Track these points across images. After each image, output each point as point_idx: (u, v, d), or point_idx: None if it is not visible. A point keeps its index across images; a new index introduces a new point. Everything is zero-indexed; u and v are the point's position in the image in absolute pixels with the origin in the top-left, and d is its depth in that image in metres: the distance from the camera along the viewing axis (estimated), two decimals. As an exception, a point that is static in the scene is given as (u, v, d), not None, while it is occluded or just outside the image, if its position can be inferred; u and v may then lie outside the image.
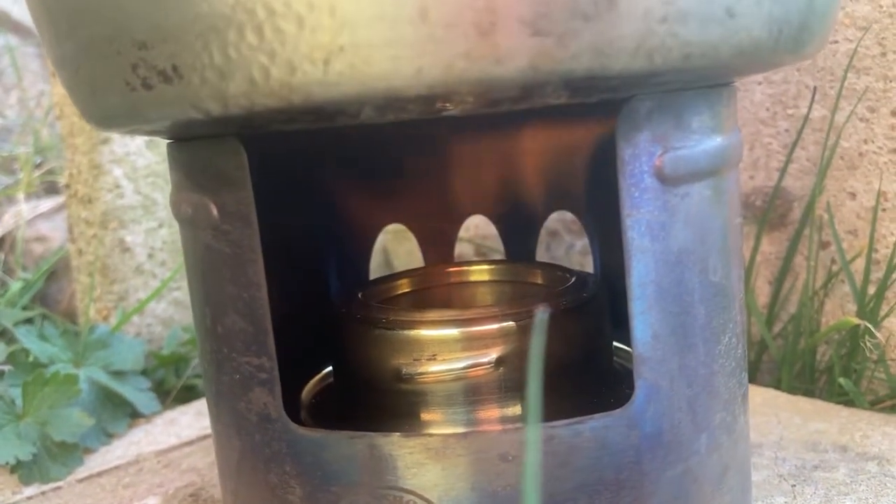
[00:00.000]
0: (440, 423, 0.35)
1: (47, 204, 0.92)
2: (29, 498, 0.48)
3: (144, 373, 0.62)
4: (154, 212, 0.69)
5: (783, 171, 0.55)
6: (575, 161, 0.47)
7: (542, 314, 0.20)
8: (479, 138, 0.48)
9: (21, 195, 0.91)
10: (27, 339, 0.58)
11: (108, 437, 0.55)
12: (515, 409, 0.35)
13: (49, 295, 0.84)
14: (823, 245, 0.54)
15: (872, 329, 0.49)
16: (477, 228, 0.70)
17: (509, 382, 0.34)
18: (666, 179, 0.29)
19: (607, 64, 0.23)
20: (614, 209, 0.29)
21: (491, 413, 0.35)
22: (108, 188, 0.67)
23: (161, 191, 0.69)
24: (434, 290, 0.44)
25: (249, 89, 0.23)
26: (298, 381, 0.42)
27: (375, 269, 0.50)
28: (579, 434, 0.29)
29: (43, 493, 0.48)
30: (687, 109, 0.29)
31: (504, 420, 0.34)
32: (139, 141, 0.68)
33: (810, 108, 0.53)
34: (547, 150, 0.47)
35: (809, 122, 0.53)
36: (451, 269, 0.45)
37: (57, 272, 0.84)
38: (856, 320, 0.50)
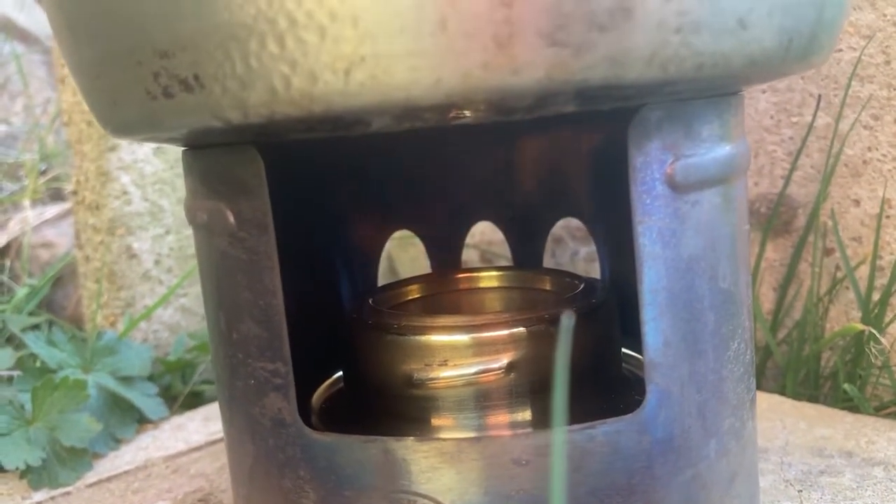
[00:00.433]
0: (451, 429, 0.35)
1: (53, 210, 0.92)
2: (38, 503, 0.48)
3: (151, 378, 0.62)
4: (161, 218, 0.69)
5: (788, 179, 0.55)
6: (582, 167, 0.47)
7: (567, 318, 0.20)
8: (487, 145, 0.48)
9: (27, 201, 0.92)
10: (36, 344, 0.58)
11: (117, 442, 0.56)
12: (526, 415, 0.35)
13: (55, 301, 0.84)
14: (828, 252, 0.55)
15: (877, 335, 0.50)
16: (483, 234, 0.71)
17: (520, 388, 0.35)
18: (677, 187, 0.29)
19: (622, 74, 0.24)
20: (622, 215, 0.30)
21: (501, 418, 0.35)
22: (116, 195, 0.67)
23: (168, 198, 0.69)
24: (443, 296, 0.45)
25: (270, 98, 0.24)
26: (309, 387, 0.43)
27: (380, 276, 0.50)
28: (592, 439, 0.29)
29: (52, 498, 0.48)
30: (697, 118, 0.30)
31: (514, 425, 0.35)
32: (147, 148, 0.68)
33: (815, 116, 0.53)
34: (554, 156, 0.48)
35: (814, 130, 0.54)
36: (460, 276, 0.46)
37: (63, 278, 0.85)
38: (860, 326, 0.50)
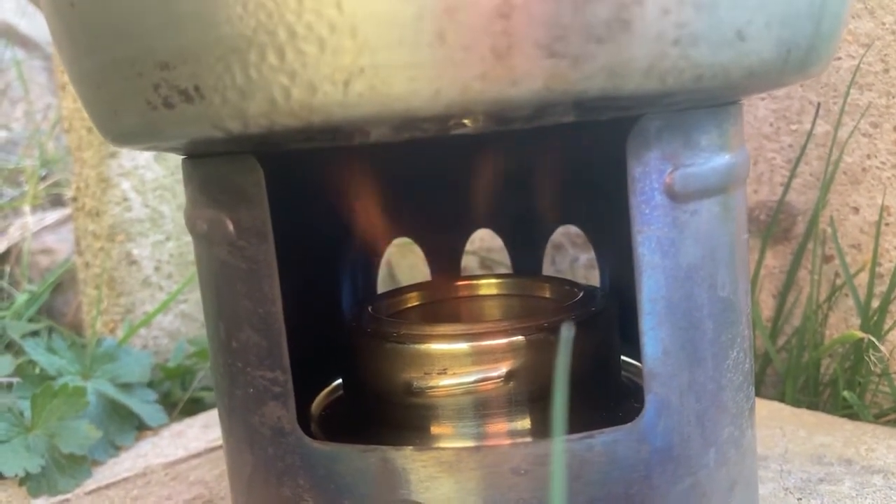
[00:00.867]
0: (450, 437, 0.35)
1: (53, 216, 0.93)
2: (38, 510, 0.48)
3: (150, 385, 0.62)
4: (161, 225, 0.69)
5: (787, 186, 0.55)
6: (581, 175, 0.47)
7: (567, 329, 0.20)
8: (487, 153, 0.48)
9: (27, 207, 0.92)
10: (35, 351, 0.58)
11: (116, 449, 0.56)
12: (525, 423, 0.35)
13: (55, 307, 0.84)
14: (827, 259, 0.55)
15: (876, 342, 0.50)
16: (482, 241, 0.71)
17: (519, 396, 0.35)
18: (676, 196, 0.29)
19: (620, 85, 0.24)
20: (622, 224, 0.30)
21: (500, 427, 0.35)
22: (116, 201, 0.68)
23: (168, 204, 0.69)
24: (442, 303, 0.45)
25: (270, 109, 0.24)
26: (308, 394, 0.43)
27: (379, 283, 0.50)
28: (591, 448, 0.29)
29: (51, 505, 0.49)
30: (696, 128, 0.30)
31: (514, 434, 0.35)
32: (147, 154, 0.68)
33: (814, 123, 0.53)
34: (554, 164, 0.48)
35: (813, 138, 0.54)
36: (460, 283, 0.46)
37: (62, 284, 0.85)
38: (860, 334, 0.50)
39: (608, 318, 0.38)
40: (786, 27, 0.26)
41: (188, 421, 0.61)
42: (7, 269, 0.88)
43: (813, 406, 0.54)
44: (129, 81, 0.26)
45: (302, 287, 0.41)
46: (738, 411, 0.33)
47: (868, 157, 0.52)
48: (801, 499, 0.41)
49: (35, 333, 0.76)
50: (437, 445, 0.34)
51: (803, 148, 0.54)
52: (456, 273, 0.51)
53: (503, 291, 0.45)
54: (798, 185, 0.55)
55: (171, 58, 0.24)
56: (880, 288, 0.52)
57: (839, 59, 0.52)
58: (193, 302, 0.71)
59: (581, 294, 0.39)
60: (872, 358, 0.50)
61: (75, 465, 0.51)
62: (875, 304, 0.52)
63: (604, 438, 0.29)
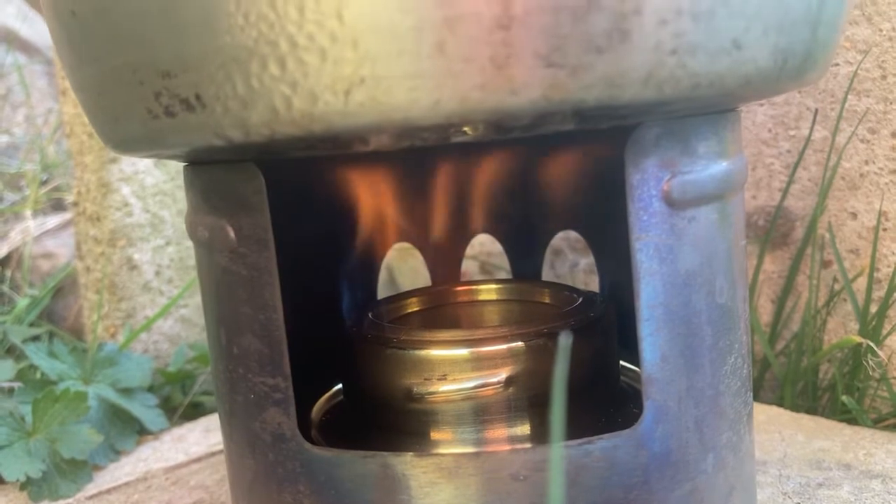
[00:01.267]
0: (449, 443, 0.35)
1: (54, 221, 0.93)
2: (39, 515, 0.48)
3: (151, 389, 0.62)
4: (162, 230, 0.69)
5: (785, 191, 0.55)
6: (581, 181, 0.47)
7: (565, 337, 0.21)
8: (486, 158, 0.49)
9: (28, 212, 0.92)
10: (37, 356, 0.58)
11: (117, 453, 0.56)
12: (524, 429, 0.35)
13: (55, 311, 0.84)
14: (825, 264, 0.55)
15: (875, 347, 0.50)
16: (482, 246, 0.71)
17: (518, 402, 0.35)
18: (674, 203, 0.29)
19: (618, 94, 0.24)
20: (620, 229, 0.30)
21: (500, 432, 0.35)
22: (117, 206, 0.68)
23: (169, 209, 0.70)
24: (442, 308, 0.45)
25: (271, 118, 0.24)
26: (308, 400, 0.43)
27: (380, 287, 0.51)
28: (589, 454, 0.29)
29: (52, 510, 0.49)
30: (693, 135, 0.30)
31: (513, 439, 0.35)
32: (147, 160, 0.69)
33: (812, 129, 0.54)
34: (553, 169, 0.48)
35: (811, 143, 0.54)
36: (460, 288, 0.46)
37: (63, 289, 0.85)
38: (858, 339, 0.50)
39: (607, 324, 0.38)
40: (782, 35, 0.26)
41: (189, 425, 0.61)
42: (8, 273, 0.88)
43: (811, 411, 0.54)
44: (131, 90, 0.26)
45: (301, 292, 0.41)
46: (736, 417, 0.33)
47: (866, 162, 0.52)
48: (799, 503, 0.41)
49: (36, 338, 0.76)
50: (436, 451, 0.34)
51: (801, 153, 0.54)
52: (456, 278, 0.51)
53: (503, 297, 0.45)
54: (796, 191, 0.56)
55: (173, 66, 0.25)
56: (878, 293, 0.52)
57: (837, 65, 0.52)
58: (194, 307, 0.72)
59: (580, 300, 0.40)
60: (871, 363, 0.50)
61: (76, 470, 0.51)
62: (873, 309, 0.52)
63: (603, 444, 0.29)
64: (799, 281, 0.57)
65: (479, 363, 0.34)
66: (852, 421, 0.51)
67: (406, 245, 0.51)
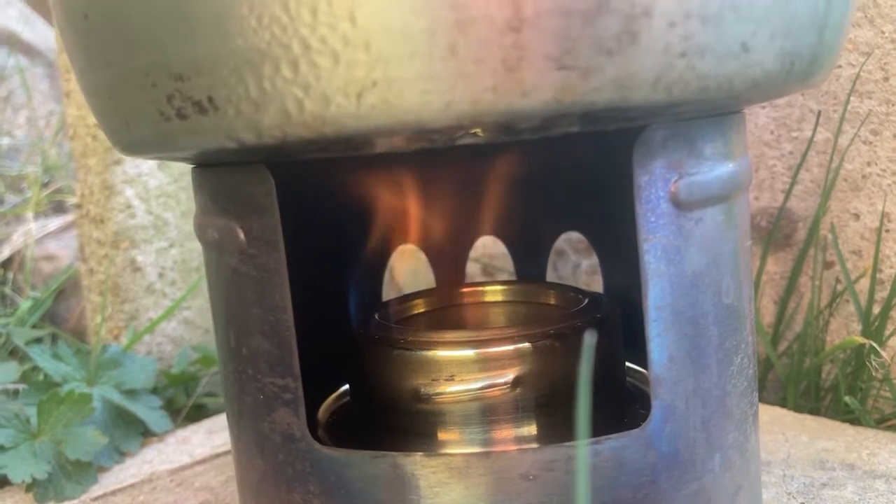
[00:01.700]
0: (457, 443, 0.35)
1: (56, 223, 0.93)
2: (44, 516, 0.48)
3: (154, 391, 0.62)
4: (165, 232, 0.70)
5: (788, 193, 0.56)
6: (585, 182, 0.47)
7: (589, 337, 0.21)
8: (491, 160, 0.49)
9: (30, 214, 0.92)
10: (41, 358, 0.58)
11: (121, 455, 0.56)
12: (531, 429, 0.35)
13: (57, 313, 0.84)
14: (828, 265, 0.55)
15: (877, 348, 0.50)
16: (484, 248, 0.71)
17: (525, 402, 0.35)
18: (681, 205, 0.29)
19: (628, 96, 0.24)
20: (625, 231, 0.30)
21: (507, 433, 0.35)
22: (120, 208, 0.68)
23: (172, 211, 0.70)
24: (448, 310, 0.45)
25: (283, 121, 0.24)
26: (314, 401, 0.43)
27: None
28: (598, 454, 0.29)
29: (58, 511, 0.49)
30: (700, 137, 0.30)
31: (520, 440, 0.35)
32: (151, 162, 0.69)
33: (814, 131, 0.54)
34: (558, 170, 0.48)
35: (813, 145, 0.54)
36: (465, 290, 0.46)
37: (65, 291, 0.85)
38: (861, 339, 0.50)
39: (613, 325, 0.38)
40: (789, 38, 0.27)
41: (192, 427, 0.61)
42: (10, 275, 0.88)
43: (814, 411, 0.54)
44: (143, 92, 0.27)
45: (306, 293, 0.41)
46: (742, 417, 0.33)
47: (868, 164, 0.52)
48: (804, 503, 0.42)
49: (38, 340, 0.76)
50: (444, 451, 0.34)
51: (804, 155, 0.54)
52: (460, 279, 0.51)
53: (508, 298, 0.45)
54: (799, 192, 0.56)
55: (186, 69, 0.25)
56: (881, 294, 0.52)
57: (839, 67, 0.52)
58: (196, 309, 0.72)
59: (586, 301, 0.40)
60: (874, 363, 0.51)
61: (81, 472, 0.51)
62: (876, 309, 0.52)
63: (611, 444, 0.29)
64: (801, 282, 0.57)
65: (486, 364, 0.35)
66: (855, 421, 0.51)
67: (407, 247, 0.51)
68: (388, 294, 0.53)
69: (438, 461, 0.29)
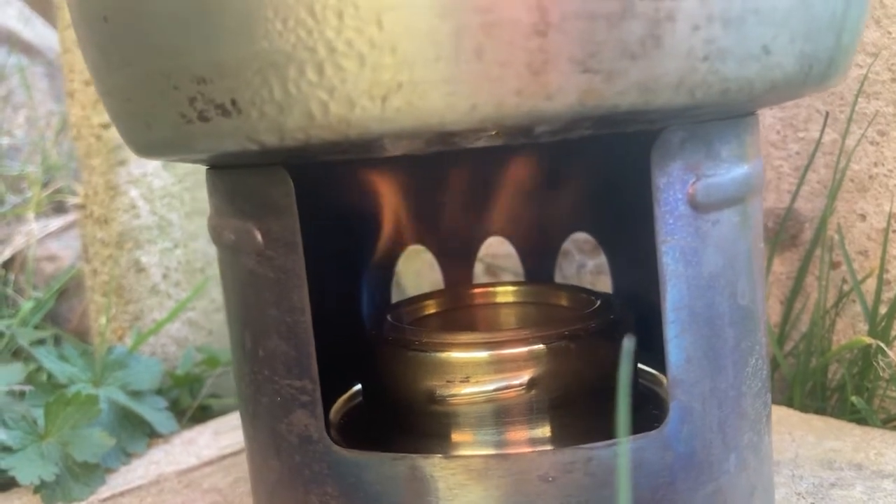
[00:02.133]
0: (471, 445, 0.35)
1: (57, 223, 0.93)
2: (53, 518, 0.48)
3: (159, 392, 0.62)
4: (169, 232, 0.69)
5: (795, 193, 0.56)
6: (594, 183, 0.48)
7: (629, 342, 0.21)
8: (501, 160, 0.49)
9: (31, 214, 0.92)
10: (47, 359, 0.58)
11: (128, 456, 0.56)
12: (545, 431, 0.35)
13: (60, 314, 0.84)
14: (834, 265, 0.55)
15: (884, 348, 0.50)
16: (489, 248, 0.71)
17: (540, 404, 0.35)
18: (698, 207, 0.30)
19: (651, 100, 0.24)
20: (636, 231, 0.30)
21: (522, 434, 0.35)
22: (125, 209, 0.68)
23: (177, 211, 0.70)
24: (460, 311, 0.45)
25: (307, 124, 0.24)
26: (327, 401, 0.43)
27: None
28: (617, 455, 0.29)
29: (66, 513, 0.49)
30: (717, 139, 0.30)
31: (534, 441, 0.35)
32: (155, 163, 0.69)
33: (822, 132, 0.54)
34: (568, 171, 0.48)
35: (820, 146, 0.54)
36: (476, 291, 0.46)
37: (67, 291, 0.85)
38: (867, 339, 0.51)
39: (627, 326, 0.38)
40: (809, 41, 0.27)
41: (198, 428, 0.61)
42: (12, 276, 0.88)
43: (820, 411, 0.55)
44: (164, 95, 0.27)
45: (321, 295, 0.41)
46: (756, 417, 0.33)
47: (875, 164, 0.52)
48: (814, 503, 0.42)
49: (41, 341, 0.76)
50: (458, 453, 0.34)
51: (812, 156, 0.55)
52: (468, 280, 0.51)
53: (519, 299, 0.45)
54: (805, 193, 0.56)
55: (209, 72, 0.25)
56: (888, 294, 0.53)
57: (846, 68, 0.53)
58: (201, 310, 0.72)
59: (599, 302, 0.40)
60: (880, 363, 0.51)
61: (89, 473, 0.51)
62: (883, 310, 0.52)
63: (630, 445, 0.29)
64: (808, 282, 0.57)
65: (501, 365, 0.35)
66: (862, 421, 0.51)
67: (412, 248, 0.51)
68: (391, 295, 0.53)
69: (457, 463, 0.29)
